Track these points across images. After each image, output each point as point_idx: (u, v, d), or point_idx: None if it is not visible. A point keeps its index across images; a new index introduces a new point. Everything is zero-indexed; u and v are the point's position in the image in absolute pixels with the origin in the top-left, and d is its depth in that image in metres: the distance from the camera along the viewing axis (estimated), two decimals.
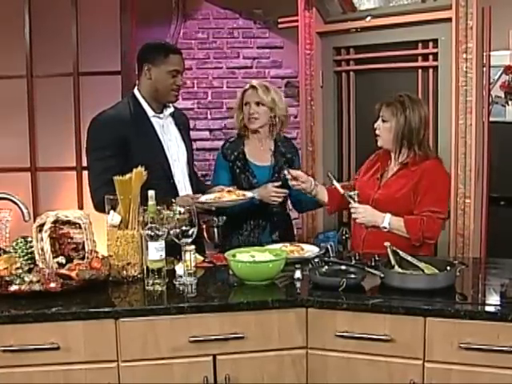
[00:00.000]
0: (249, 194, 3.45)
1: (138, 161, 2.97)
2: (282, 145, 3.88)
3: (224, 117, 6.05)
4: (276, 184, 3.65)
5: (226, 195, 3.38)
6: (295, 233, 4.14)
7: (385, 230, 3.28)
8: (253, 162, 3.81)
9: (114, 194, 2.87)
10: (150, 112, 3.38)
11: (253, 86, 3.81)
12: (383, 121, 3.37)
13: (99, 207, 3.06)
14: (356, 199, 3.32)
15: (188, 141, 3.58)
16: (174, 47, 3.54)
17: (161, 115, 3.41)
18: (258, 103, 3.78)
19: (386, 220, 3.28)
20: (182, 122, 3.57)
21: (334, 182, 3.39)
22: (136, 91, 3.41)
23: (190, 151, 3.56)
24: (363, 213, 3.31)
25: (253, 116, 3.78)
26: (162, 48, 3.40)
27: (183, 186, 3.44)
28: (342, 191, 3.36)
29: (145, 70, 3.34)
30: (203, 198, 3.32)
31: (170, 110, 3.45)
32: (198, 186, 3.61)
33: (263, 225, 3.80)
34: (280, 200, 3.67)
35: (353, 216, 3.37)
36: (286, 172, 3.51)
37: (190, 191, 3.46)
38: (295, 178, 3.48)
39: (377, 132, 3.40)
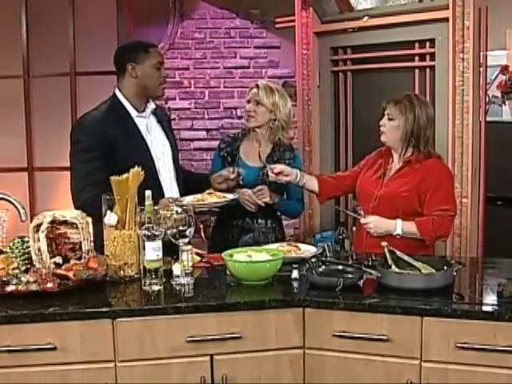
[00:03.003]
0: (229, 196, 3.45)
1: (124, 162, 2.97)
2: (279, 152, 3.85)
3: (221, 117, 6.06)
4: (255, 189, 3.66)
5: (208, 197, 3.37)
6: (288, 233, 4.15)
7: (398, 237, 3.27)
8: (243, 161, 3.80)
9: (99, 195, 2.87)
10: (133, 112, 3.36)
11: (257, 85, 3.81)
12: (390, 119, 3.36)
13: (83, 209, 3.03)
14: (362, 213, 3.36)
15: (172, 137, 3.57)
16: (150, 42, 3.51)
17: (143, 114, 3.40)
18: (257, 102, 3.77)
19: (399, 227, 3.27)
20: (164, 119, 3.57)
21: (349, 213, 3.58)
22: (117, 92, 3.38)
23: (174, 147, 3.55)
24: (374, 226, 3.32)
25: (249, 114, 3.79)
26: (141, 45, 3.40)
27: (169, 185, 3.44)
28: (349, 213, 3.64)
29: (129, 69, 3.32)
30: (184, 200, 3.31)
31: (152, 107, 3.44)
32: (190, 178, 3.64)
33: (244, 225, 3.79)
34: (253, 209, 3.68)
35: (366, 229, 3.37)
36: (267, 169, 3.54)
37: (176, 190, 3.46)
38: (279, 173, 3.51)
39: (381, 129, 3.40)
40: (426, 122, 3.34)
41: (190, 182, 3.62)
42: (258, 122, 3.79)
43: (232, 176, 3.56)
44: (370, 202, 3.39)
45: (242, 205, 3.66)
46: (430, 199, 3.29)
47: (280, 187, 3.74)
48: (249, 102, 3.82)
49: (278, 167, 3.54)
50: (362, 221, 3.35)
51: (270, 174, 3.52)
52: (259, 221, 3.81)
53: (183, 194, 3.45)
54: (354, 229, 3.61)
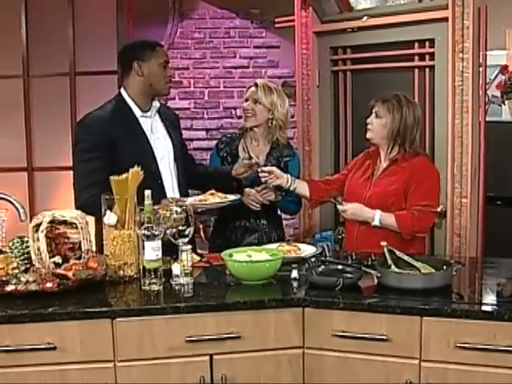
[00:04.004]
0: (231, 197, 3.45)
1: (126, 162, 2.96)
2: (278, 149, 3.87)
3: (221, 116, 6.05)
4: (259, 188, 3.67)
5: (210, 198, 3.38)
6: (287, 233, 4.15)
7: (376, 227, 3.33)
8: None
9: (100, 195, 2.87)
10: (137, 112, 3.36)
11: (256, 84, 3.84)
12: (377, 116, 3.39)
13: (84, 209, 3.03)
14: (341, 201, 3.41)
15: (176, 137, 3.56)
16: (156, 41, 3.54)
17: (148, 113, 3.40)
18: (255, 101, 3.79)
19: (377, 217, 3.33)
20: (168, 118, 3.56)
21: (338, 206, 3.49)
22: (123, 92, 3.39)
23: (178, 147, 3.54)
24: (352, 214, 3.39)
25: (247, 112, 3.82)
26: (147, 43, 3.41)
27: (170, 184, 3.44)
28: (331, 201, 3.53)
29: (135, 67, 3.32)
30: (187, 201, 3.31)
31: (157, 106, 3.45)
32: (200, 174, 3.69)
33: (247, 226, 3.81)
34: (257, 208, 3.70)
35: (344, 216, 3.46)
36: (258, 169, 3.59)
37: (176, 190, 3.47)
38: (269, 173, 3.56)
39: (368, 127, 3.44)
40: (413, 123, 3.38)
41: (211, 178, 3.65)
42: (257, 120, 3.82)
43: (254, 161, 3.61)
44: (359, 202, 3.41)
45: (243, 205, 3.67)
46: (412, 194, 3.33)
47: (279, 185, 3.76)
48: (247, 100, 3.85)
49: (269, 167, 3.60)
50: (340, 208, 3.40)
51: (260, 174, 3.56)
52: (262, 221, 3.82)
53: (203, 189, 3.48)
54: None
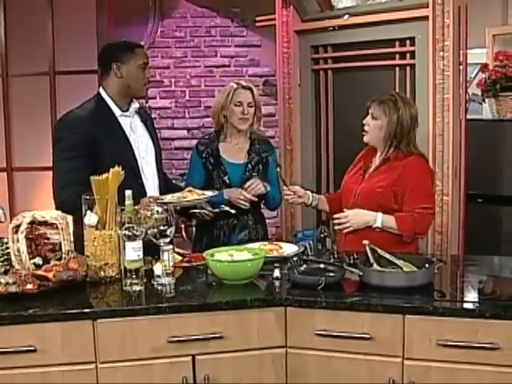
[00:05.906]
0: (208, 193, 3.44)
1: (107, 161, 2.95)
2: (258, 143, 3.89)
3: (202, 115, 6.03)
4: (246, 185, 3.70)
5: (189, 195, 3.38)
6: (269, 232, 4.16)
7: (378, 229, 3.30)
8: (226, 159, 3.83)
9: (80, 194, 2.85)
10: (117, 111, 3.35)
11: (244, 87, 3.83)
12: (373, 118, 3.38)
13: (63, 207, 3.01)
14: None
15: (155, 137, 3.56)
16: (136, 42, 3.54)
17: (127, 113, 3.39)
18: (249, 104, 3.80)
19: (379, 220, 3.30)
20: (147, 118, 3.57)
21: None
22: (102, 91, 3.37)
23: (157, 147, 3.54)
24: (353, 219, 3.36)
25: (246, 117, 3.80)
26: (127, 44, 3.40)
27: (152, 184, 3.43)
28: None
29: (114, 69, 3.31)
30: (166, 198, 3.30)
31: (136, 106, 3.43)
32: (167, 186, 3.60)
33: (236, 223, 3.82)
34: (247, 206, 3.71)
35: (344, 225, 3.39)
36: (285, 188, 3.60)
37: (157, 190, 3.45)
38: (294, 193, 3.57)
39: (365, 128, 3.42)
40: (410, 124, 3.34)
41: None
42: (251, 122, 3.85)
43: (209, 213, 3.60)
44: (350, 198, 3.42)
45: (229, 203, 3.67)
46: (410, 196, 3.30)
47: (263, 177, 3.80)
48: (238, 104, 3.80)
49: (293, 187, 3.62)
50: (340, 215, 3.40)
51: (285, 192, 3.58)
52: (249, 217, 3.82)
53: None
54: (336, 227, 3.62)
